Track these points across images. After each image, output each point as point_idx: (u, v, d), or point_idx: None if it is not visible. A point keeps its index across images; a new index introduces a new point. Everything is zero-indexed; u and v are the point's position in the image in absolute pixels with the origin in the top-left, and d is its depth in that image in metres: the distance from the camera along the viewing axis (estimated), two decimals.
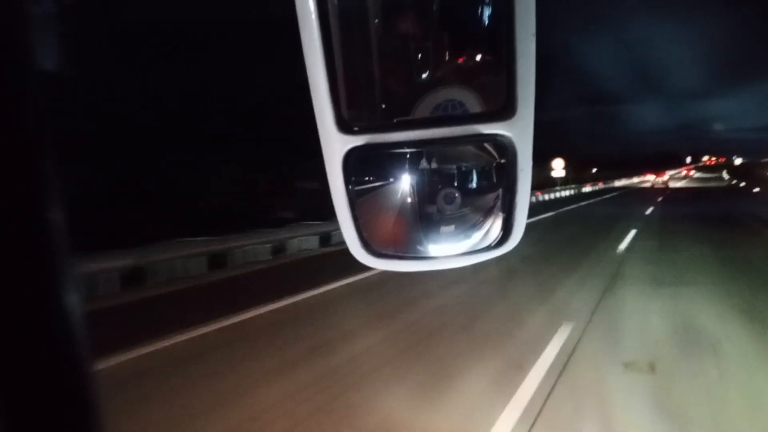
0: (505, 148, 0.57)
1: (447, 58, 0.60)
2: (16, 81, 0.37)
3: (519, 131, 0.56)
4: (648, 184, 62.71)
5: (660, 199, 29.79)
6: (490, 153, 0.61)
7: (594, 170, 65.51)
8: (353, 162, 0.58)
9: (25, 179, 0.37)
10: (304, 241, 11.59)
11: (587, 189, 45.30)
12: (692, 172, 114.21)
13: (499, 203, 0.62)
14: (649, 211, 20.69)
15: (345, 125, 0.57)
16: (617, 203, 28.29)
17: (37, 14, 0.38)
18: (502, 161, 0.59)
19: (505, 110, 0.55)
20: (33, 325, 0.38)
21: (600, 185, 52.62)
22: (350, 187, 0.60)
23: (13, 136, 0.37)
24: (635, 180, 72.70)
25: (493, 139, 0.57)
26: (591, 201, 30.03)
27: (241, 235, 10.08)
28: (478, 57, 0.60)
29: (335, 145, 0.58)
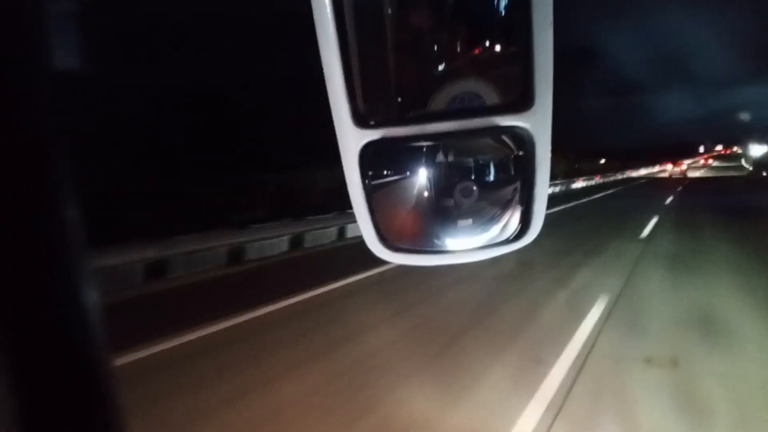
0: (522, 140, 0.57)
1: (463, 49, 0.59)
2: (32, 78, 0.37)
3: (537, 123, 0.56)
4: (665, 174, 60.46)
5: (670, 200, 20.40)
6: (507, 145, 0.60)
7: (602, 161, 60.99)
8: (369, 156, 0.58)
9: (39, 176, 0.38)
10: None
11: (578, 185, 36.16)
12: (710, 161, 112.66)
13: (517, 196, 0.61)
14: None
15: (361, 119, 0.57)
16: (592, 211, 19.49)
17: (53, 13, 0.38)
18: (520, 153, 0.58)
19: (522, 102, 0.55)
20: (49, 322, 0.38)
21: (598, 179, 43.70)
22: (366, 181, 0.59)
23: (28, 133, 0.37)
24: (645, 171, 68.63)
25: (510, 131, 0.57)
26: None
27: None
28: (495, 48, 0.60)
29: (351, 140, 0.58)
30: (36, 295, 0.37)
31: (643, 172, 66.57)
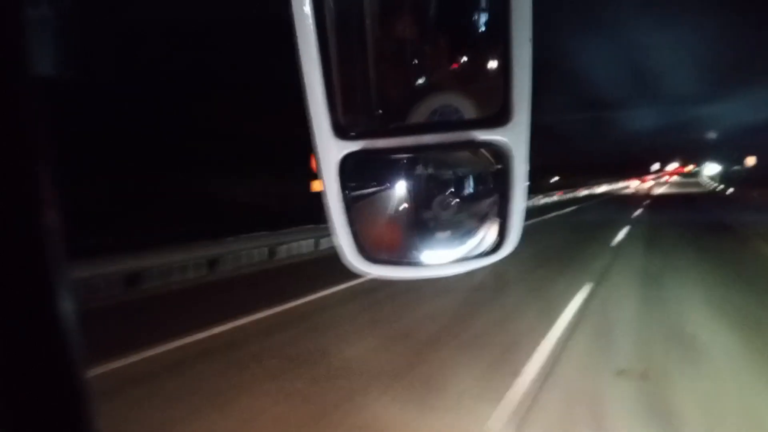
0: (500, 154, 0.57)
1: (443, 63, 0.60)
2: (12, 83, 0.36)
3: (515, 137, 0.56)
4: (630, 190, 56.48)
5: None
6: (485, 159, 0.61)
7: (554, 179, 52.11)
8: (349, 167, 0.58)
9: (19, 183, 0.37)
10: None
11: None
12: (674, 177, 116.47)
13: (494, 209, 0.62)
14: None
15: (341, 130, 0.56)
16: None
17: (35, 17, 0.37)
18: (498, 167, 0.59)
19: (500, 116, 0.55)
20: (26, 331, 0.37)
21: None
22: (346, 192, 0.59)
23: (8, 139, 0.36)
24: (599, 190, 59.17)
25: (488, 145, 0.57)
26: None
27: None
28: (475, 62, 0.60)
29: (331, 151, 0.57)
30: (13, 304, 0.36)
31: (603, 188, 59.94)
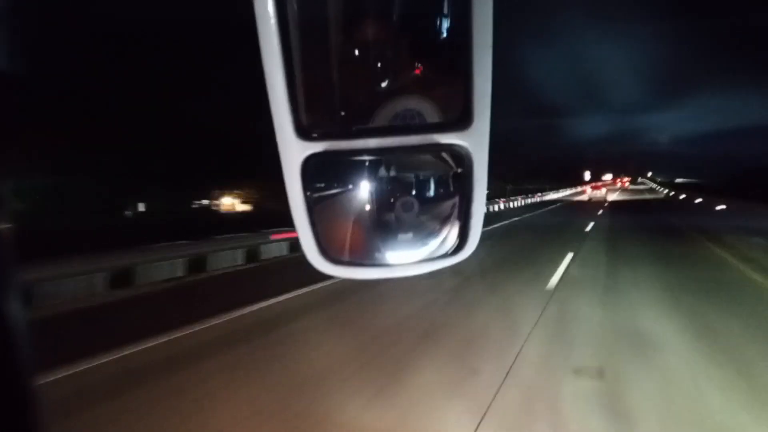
0: (461, 158, 0.59)
1: (406, 67, 0.61)
2: None
3: (475, 141, 0.57)
4: (584, 197, 51.39)
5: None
6: (447, 162, 0.62)
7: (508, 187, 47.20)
8: (312, 168, 0.58)
9: None
10: None
11: None
12: (627, 184, 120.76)
13: (455, 211, 0.63)
14: None
15: (304, 131, 0.56)
16: None
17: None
18: (459, 170, 0.60)
19: (461, 121, 0.56)
20: None
21: None
22: (308, 193, 0.59)
23: None
24: (555, 195, 54.73)
25: (449, 148, 0.58)
26: None
27: None
28: (437, 67, 0.61)
29: (293, 151, 0.57)
30: None
31: (558, 195, 55.36)
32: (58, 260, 7.46)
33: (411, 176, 0.65)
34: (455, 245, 0.63)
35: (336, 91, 0.60)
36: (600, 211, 28.27)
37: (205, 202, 27.10)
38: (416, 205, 0.64)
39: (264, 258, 11.58)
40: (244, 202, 27.54)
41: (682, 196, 48.75)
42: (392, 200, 0.64)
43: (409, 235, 0.65)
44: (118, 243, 9.31)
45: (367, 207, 0.65)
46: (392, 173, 0.64)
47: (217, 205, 27.35)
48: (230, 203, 27.71)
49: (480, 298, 7.31)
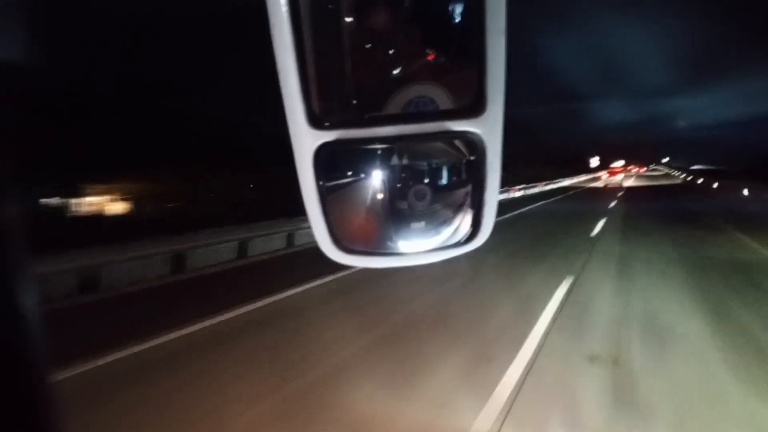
0: (474, 145, 0.58)
1: (418, 54, 0.60)
2: None
3: (488, 128, 0.57)
4: (599, 184, 50.07)
5: None
6: (460, 150, 0.61)
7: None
8: (324, 157, 0.58)
9: None
10: None
11: None
12: (643, 170, 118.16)
13: (468, 200, 0.63)
14: None
15: (316, 120, 0.56)
16: None
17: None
18: (472, 158, 0.60)
19: (474, 107, 0.56)
20: None
21: None
22: (321, 182, 0.59)
23: None
24: (568, 182, 50.27)
25: (462, 136, 0.58)
26: None
27: None
28: (450, 53, 0.61)
29: (306, 141, 0.57)
30: None
31: (565, 182, 49.84)
32: None
33: (424, 164, 0.65)
34: (468, 234, 0.63)
35: (348, 79, 0.60)
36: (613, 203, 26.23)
37: (55, 201, 16.92)
38: (429, 194, 0.64)
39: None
40: (123, 200, 18.94)
41: (700, 180, 47.14)
42: (405, 189, 0.64)
43: (422, 223, 0.65)
44: None
45: (380, 196, 0.64)
46: (405, 161, 0.64)
47: (78, 206, 17.62)
48: (97, 203, 18.31)
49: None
